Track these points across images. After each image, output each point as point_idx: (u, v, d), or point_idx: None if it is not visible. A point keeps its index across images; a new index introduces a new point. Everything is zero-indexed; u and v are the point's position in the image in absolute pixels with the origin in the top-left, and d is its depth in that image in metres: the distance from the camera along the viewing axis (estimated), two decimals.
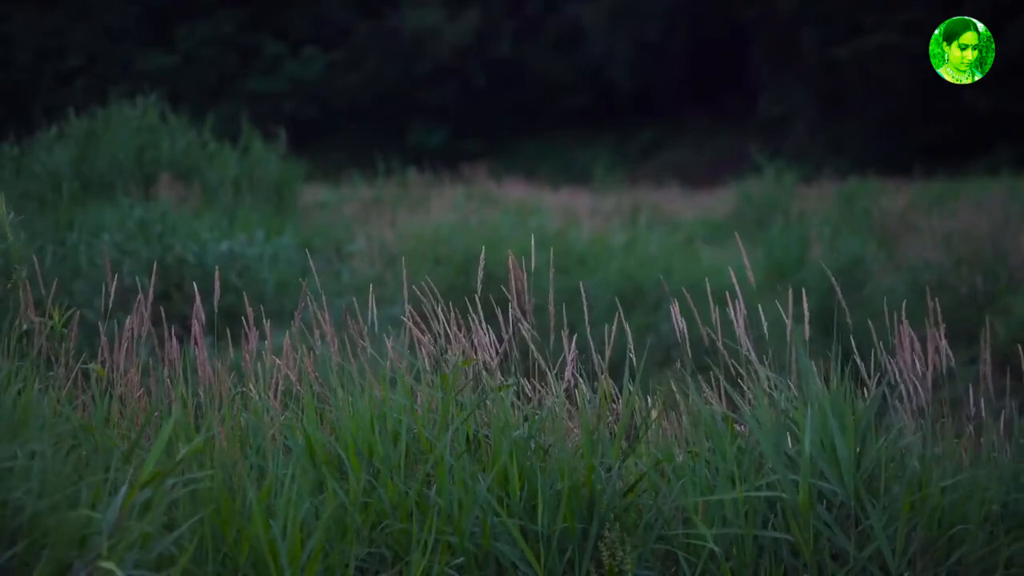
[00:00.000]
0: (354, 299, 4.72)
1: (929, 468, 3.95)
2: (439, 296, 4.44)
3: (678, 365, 4.33)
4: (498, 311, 4.44)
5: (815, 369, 4.05)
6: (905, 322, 4.22)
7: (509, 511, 3.97)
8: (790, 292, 4.28)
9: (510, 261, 4.38)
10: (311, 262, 4.99)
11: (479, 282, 4.47)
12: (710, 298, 4.35)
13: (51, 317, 4.44)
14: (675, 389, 4.31)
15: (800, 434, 3.94)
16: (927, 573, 3.89)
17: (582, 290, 4.53)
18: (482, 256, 4.59)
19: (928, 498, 3.90)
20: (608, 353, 4.32)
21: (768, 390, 4.12)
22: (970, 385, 4.27)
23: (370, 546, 3.90)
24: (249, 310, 4.38)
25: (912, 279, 14.57)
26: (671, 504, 4.01)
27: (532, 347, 4.36)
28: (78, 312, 4.58)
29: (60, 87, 32.13)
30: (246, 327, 4.41)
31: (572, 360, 4.39)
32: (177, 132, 16.63)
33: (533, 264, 4.42)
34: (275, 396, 4.36)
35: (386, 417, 4.05)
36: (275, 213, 15.92)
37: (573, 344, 4.44)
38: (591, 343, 4.40)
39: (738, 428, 4.14)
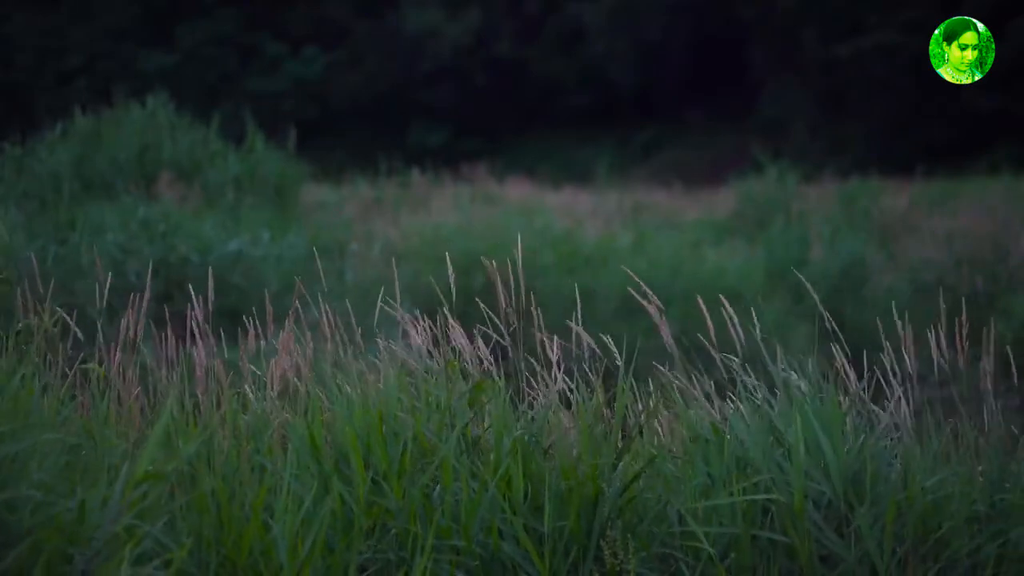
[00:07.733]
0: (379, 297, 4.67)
1: (912, 467, 3.93)
2: (440, 297, 4.41)
3: (667, 367, 4.32)
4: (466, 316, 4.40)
5: (809, 368, 4.04)
6: (900, 323, 4.21)
7: (513, 511, 3.93)
8: None
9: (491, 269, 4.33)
10: (318, 263, 4.96)
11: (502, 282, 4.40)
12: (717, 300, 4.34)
13: (44, 318, 4.42)
14: (672, 389, 4.30)
15: (786, 437, 3.94)
16: (917, 574, 3.86)
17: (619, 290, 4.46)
18: (493, 264, 4.42)
19: (913, 498, 3.88)
20: (623, 355, 4.30)
21: (752, 396, 4.12)
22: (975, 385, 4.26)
23: (373, 548, 3.87)
24: (203, 316, 4.36)
25: (912, 279, 14.56)
26: (666, 506, 3.99)
27: (509, 350, 4.35)
28: (76, 312, 4.57)
29: (61, 87, 32.11)
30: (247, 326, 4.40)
31: (559, 361, 4.36)
32: (179, 132, 16.61)
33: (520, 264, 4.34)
34: (274, 394, 4.34)
35: (390, 417, 4.01)
36: (277, 213, 15.90)
37: (557, 346, 4.40)
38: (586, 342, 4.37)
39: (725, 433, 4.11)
